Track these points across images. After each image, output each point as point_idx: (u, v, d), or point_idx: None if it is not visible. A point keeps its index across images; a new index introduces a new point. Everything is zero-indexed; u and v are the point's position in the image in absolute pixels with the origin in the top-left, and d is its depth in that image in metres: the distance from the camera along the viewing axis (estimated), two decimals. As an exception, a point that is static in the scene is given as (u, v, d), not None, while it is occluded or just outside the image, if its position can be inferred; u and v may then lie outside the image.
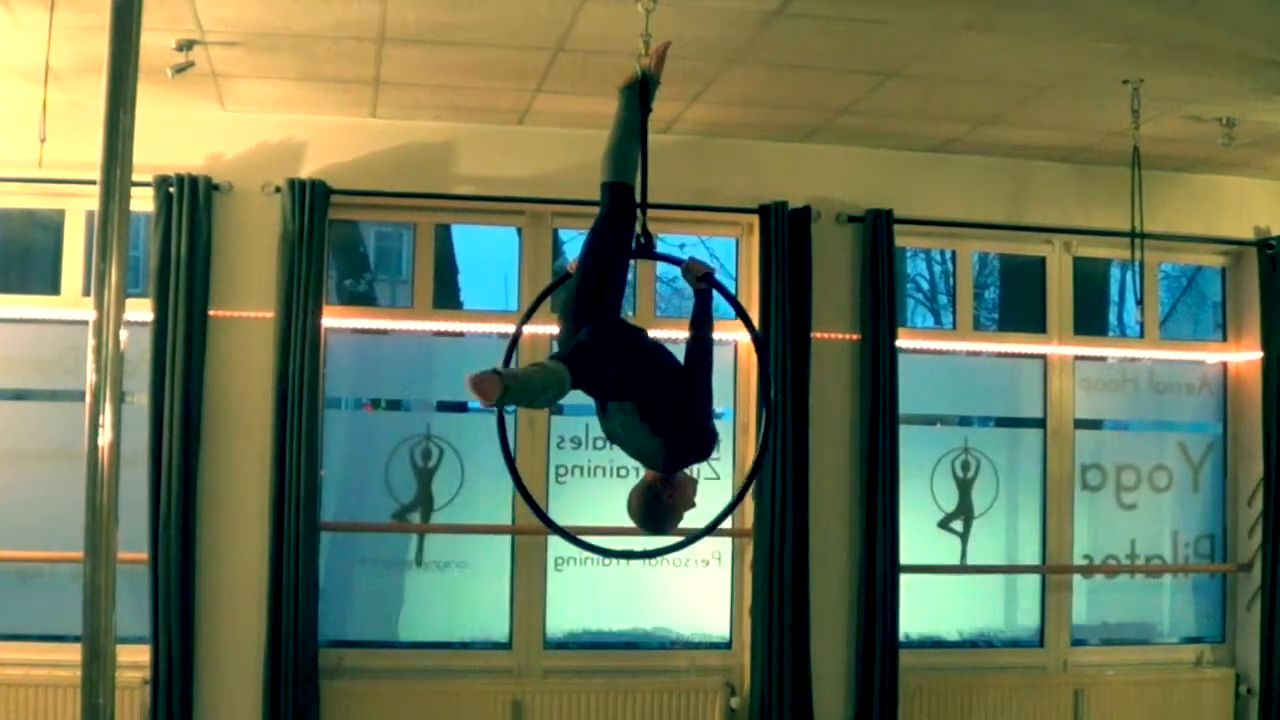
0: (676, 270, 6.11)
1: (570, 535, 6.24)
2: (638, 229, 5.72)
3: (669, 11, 6.20)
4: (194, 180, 8.46)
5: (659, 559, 8.92)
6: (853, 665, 9.13)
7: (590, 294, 5.57)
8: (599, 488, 9.15)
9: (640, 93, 5.78)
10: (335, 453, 8.96)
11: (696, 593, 9.40)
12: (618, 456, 9.06)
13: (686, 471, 5.59)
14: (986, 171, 9.56)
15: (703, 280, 5.81)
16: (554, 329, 8.95)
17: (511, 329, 9.10)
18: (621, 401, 5.53)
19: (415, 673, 8.92)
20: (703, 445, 5.56)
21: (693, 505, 5.59)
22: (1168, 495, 10.08)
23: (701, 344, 5.74)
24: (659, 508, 5.55)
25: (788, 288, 9.01)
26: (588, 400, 5.71)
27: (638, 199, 5.80)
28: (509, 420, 9.08)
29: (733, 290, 9.16)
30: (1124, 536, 9.97)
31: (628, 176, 5.70)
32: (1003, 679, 9.48)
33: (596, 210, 8.12)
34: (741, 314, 5.92)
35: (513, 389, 4.87)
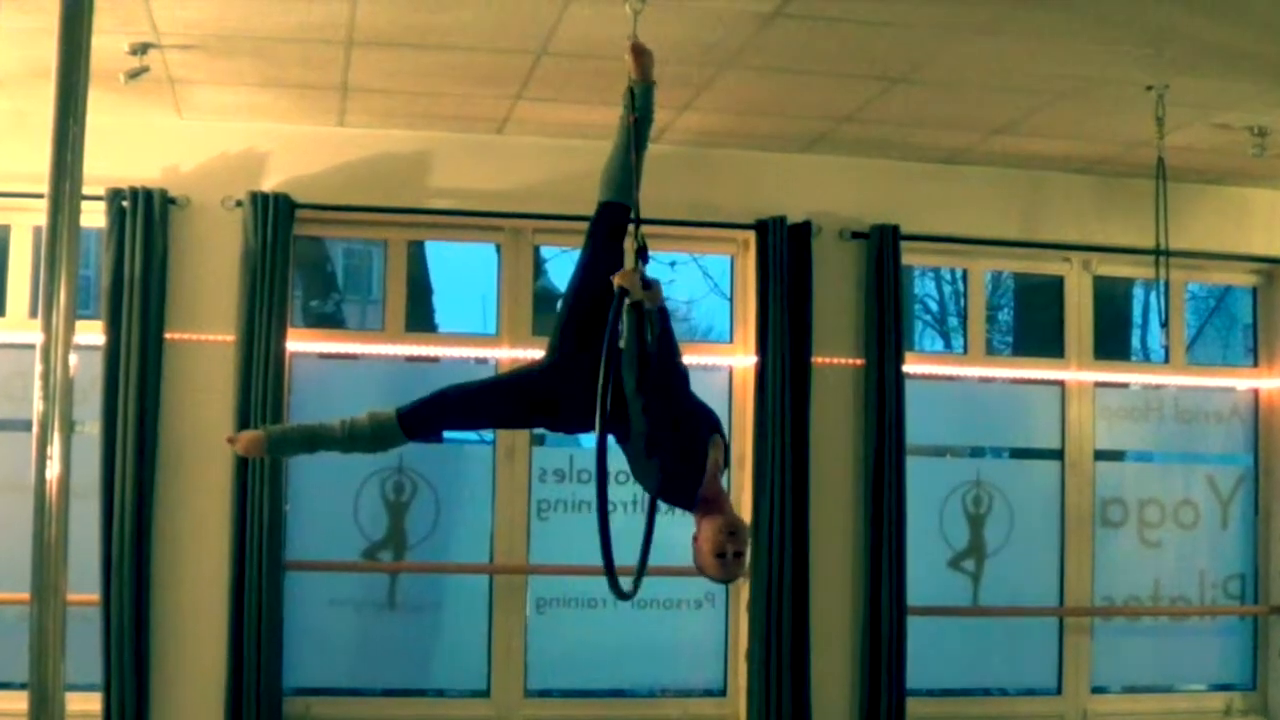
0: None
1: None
2: (637, 246, 5.65)
3: (659, 12, 6.19)
4: (149, 194, 8.47)
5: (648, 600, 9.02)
6: (857, 714, 9.11)
7: (574, 321, 5.57)
8: (584, 524, 9.16)
9: (628, 102, 5.78)
10: (301, 486, 8.94)
11: (688, 636, 9.40)
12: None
13: (715, 513, 5.31)
14: (1000, 184, 9.58)
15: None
16: (535, 352, 9.03)
17: (489, 353, 9.15)
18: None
19: (386, 723, 8.92)
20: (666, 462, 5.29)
21: (717, 548, 5.28)
22: (1195, 532, 10.07)
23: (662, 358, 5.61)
24: (696, 556, 5.34)
25: (787, 309, 9.03)
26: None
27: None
28: (489, 451, 9.12)
29: (727, 309, 9.20)
30: (1147, 576, 9.96)
31: (620, 194, 5.70)
32: (1018, 729, 9.50)
33: (581, 225, 8.13)
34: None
35: (279, 441, 6.04)
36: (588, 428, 5.45)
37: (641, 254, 5.52)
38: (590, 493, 9.13)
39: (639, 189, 5.66)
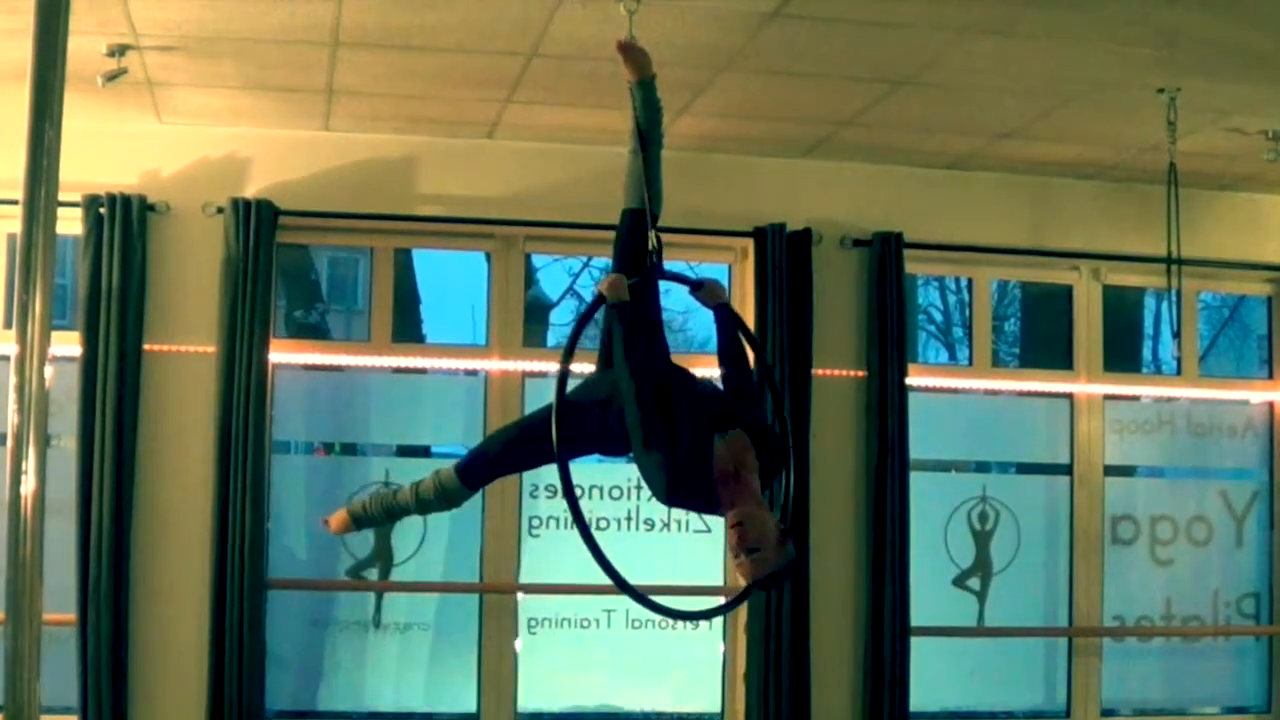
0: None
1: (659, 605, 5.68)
2: (651, 247, 5.66)
3: (654, 12, 6.19)
4: (127, 200, 8.46)
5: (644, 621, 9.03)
6: (859, 739, 9.13)
7: (607, 336, 5.61)
8: (577, 541, 9.12)
9: (630, 102, 5.82)
10: (284, 502, 8.95)
11: (684, 658, 9.40)
12: (598, 507, 9.07)
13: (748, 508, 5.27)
14: (1006, 190, 9.58)
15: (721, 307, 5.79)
16: (526, 364, 9.05)
17: (479, 364, 9.13)
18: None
19: (372, 747, 8.92)
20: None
21: (731, 546, 5.23)
22: (1208, 550, 10.06)
23: (744, 372, 5.67)
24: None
25: (786, 319, 9.03)
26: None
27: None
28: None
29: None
30: (1159, 595, 9.96)
31: (636, 200, 5.73)
32: (1025, 754, 9.50)
33: (573, 233, 8.16)
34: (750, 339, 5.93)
35: (362, 518, 6.16)
36: (628, 448, 5.42)
37: (656, 254, 5.55)
38: (584, 508, 9.16)
39: (659, 187, 5.70)
